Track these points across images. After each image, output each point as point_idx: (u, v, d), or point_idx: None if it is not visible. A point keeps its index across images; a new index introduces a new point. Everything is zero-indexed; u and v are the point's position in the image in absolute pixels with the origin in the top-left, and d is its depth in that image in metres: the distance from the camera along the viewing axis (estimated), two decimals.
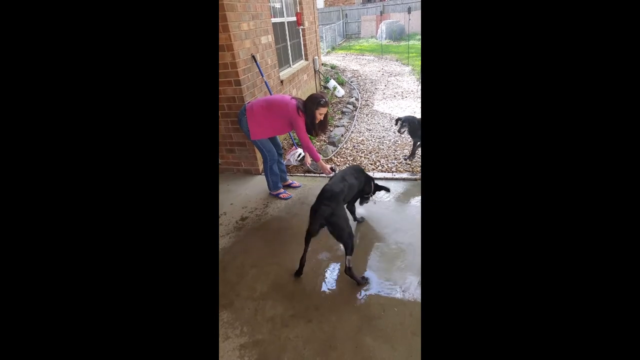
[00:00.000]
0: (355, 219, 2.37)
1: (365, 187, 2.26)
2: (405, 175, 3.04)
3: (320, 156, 2.62)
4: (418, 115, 3.32)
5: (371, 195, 2.39)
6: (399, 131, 3.11)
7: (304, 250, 1.89)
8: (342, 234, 1.77)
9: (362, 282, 1.83)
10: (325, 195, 1.84)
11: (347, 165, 3.39)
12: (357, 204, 2.39)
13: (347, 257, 1.79)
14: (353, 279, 1.82)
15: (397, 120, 3.16)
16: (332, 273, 1.96)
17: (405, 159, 3.29)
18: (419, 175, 2.98)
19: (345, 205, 2.03)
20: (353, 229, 1.99)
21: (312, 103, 2.40)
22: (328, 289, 1.85)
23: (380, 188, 2.38)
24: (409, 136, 3.25)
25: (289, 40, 4.63)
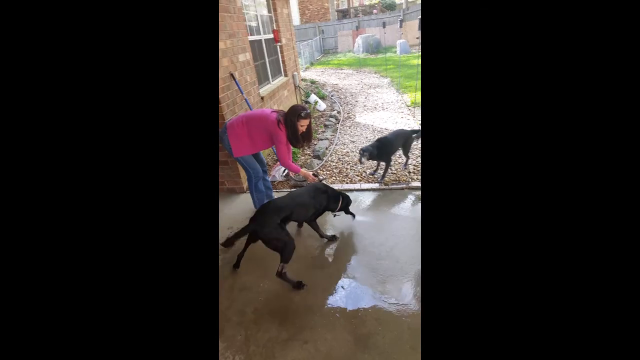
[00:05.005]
0: (322, 235, 2.33)
1: (330, 205, 2.30)
2: (392, 185, 3.05)
3: (300, 167, 2.58)
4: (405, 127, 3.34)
5: (336, 212, 2.40)
6: (360, 161, 2.98)
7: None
8: (273, 247, 1.88)
9: (298, 286, 1.91)
10: (257, 213, 1.94)
11: (334, 178, 3.38)
12: (330, 218, 2.37)
13: (281, 264, 1.88)
14: (287, 282, 1.91)
15: (360, 151, 3.00)
16: (325, 291, 1.90)
17: (379, 181, 3.14)
18: (404, 185, 3.00)
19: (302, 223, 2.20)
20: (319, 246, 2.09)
21: (292, 115, 2.36)
22: (322, 307, 1.78)
23: (347, 212, 2.44)
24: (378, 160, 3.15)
25: (267, 57, 4.66)
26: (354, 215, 2.48)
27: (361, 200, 2.85)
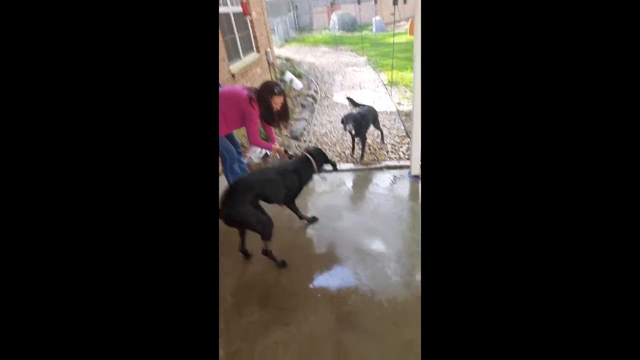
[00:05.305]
0: (301, 217, 2.26)
1: (307, 177, 2.12)
2: (371, 165, 3.04)
3: (270, 144, 2.45)
4: (377, 107, 3.28)
5: (320, 172, 2.24)
6: (344, 128, 2.96)
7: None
8: (251, 227, 1.79)
9: (282, 265, 1.91)
10: (225, 195, 1.75)
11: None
12: (312, 198, 2.31)
13: (264, 241, 1.85)
14: (273, 259, 1.91)
15: (343, 119, 2.97)
16: (307, 272, 1.88)
17: (359, 161, 3.13)
18: (383, 164, 2.99)
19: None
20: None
21: (265, 91, 2.23)
22: (304, 288, 1.77)
23: (328, 163, 2.25)
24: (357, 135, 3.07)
25: (237, 33, 4.40)
26: (334, 166, 2.30)
27: (340, 180, 2.82)
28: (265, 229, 1.79)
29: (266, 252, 1.86)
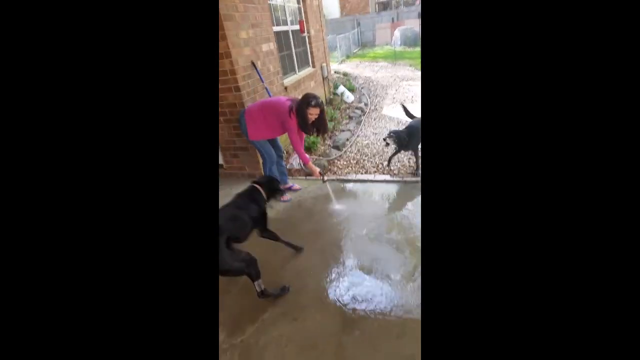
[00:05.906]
0: (286, 243, 2.07)
1: (264, 206, 2.01)
2: (406, 178, 2.97)
3: (309, 158, 2.61)
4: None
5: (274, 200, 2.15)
6: (385, 143, 2.94)
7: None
8: (237, 273, 1.65)
9: (283, 292, 1.78)
10: None
11: (350, 168, 3.36)
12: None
13: (255, 282, 1.68)
14: (272, 296, 1.74)
15: (390, 133, 2.93)
16: (322, 274, 1.92)
17: (417, 174, 3.07)
18: (419, 178, 2.90)
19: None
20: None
21: (303, 103, 2.40)
22: (317, 288, 1.81)
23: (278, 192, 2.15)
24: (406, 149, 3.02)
25: (294, 48, 4.71)
26: (282, 194, 2.23)
27: (372, 191, 2.81)
28: (251, 270, 1.65)
29: (263, 293, 1.69)
